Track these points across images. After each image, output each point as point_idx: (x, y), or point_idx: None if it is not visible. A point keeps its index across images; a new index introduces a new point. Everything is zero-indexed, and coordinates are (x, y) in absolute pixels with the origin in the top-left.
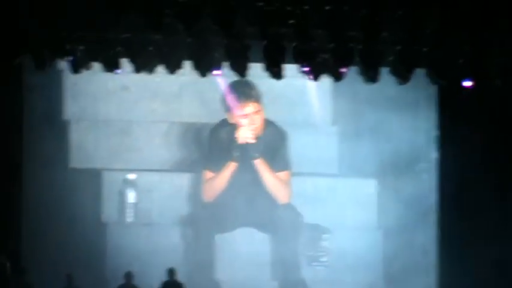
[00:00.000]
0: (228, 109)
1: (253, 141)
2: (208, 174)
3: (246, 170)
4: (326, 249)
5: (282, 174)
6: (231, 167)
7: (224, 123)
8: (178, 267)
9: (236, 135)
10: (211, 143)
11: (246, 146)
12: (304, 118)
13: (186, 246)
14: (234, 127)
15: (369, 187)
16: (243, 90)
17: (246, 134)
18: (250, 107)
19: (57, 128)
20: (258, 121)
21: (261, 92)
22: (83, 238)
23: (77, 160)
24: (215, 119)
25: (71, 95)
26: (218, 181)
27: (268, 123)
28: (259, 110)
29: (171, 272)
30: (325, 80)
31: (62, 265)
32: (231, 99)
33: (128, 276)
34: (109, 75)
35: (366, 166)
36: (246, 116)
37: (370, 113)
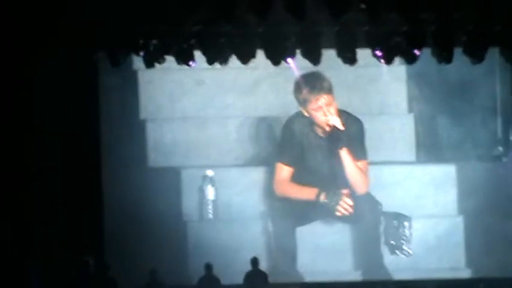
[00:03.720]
0: (301, 102)
1: (341, 127)
2: (280, 166)
3: (325, 162)
4: (407, 237)
5: (360, 164)
6: (314, 194)
7: (299, 115)
8: (260, 260)
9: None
10: (285, 135)
11: (328, 137)
12: (379, 106)
13: (268, 239)
14: (308, 120)
15: (447, 172)
16: (315, 83)
17: (335, 121)
18: (323, 99)
19: (134, 127)
20: (333, 112)
21: (335, 82)
22: (164, 235)
23: (155, 159)
24: (290, 112)
25: (147, 93)
26: (295, 195)
27: (342, 113)
28: (332, 101)
29: (254, 261)
30: (398, 66)
31: (144, 262)
32: (303, 92)
33: (208, 267)
34: (183, 71)
35: (444, 151)
36: (319, 108)
37: (445, 96)
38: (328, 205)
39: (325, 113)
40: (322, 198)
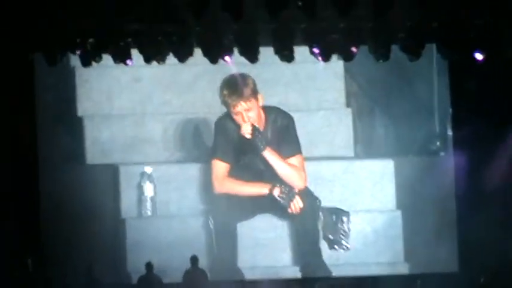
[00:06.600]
0: (224, 105)
1: (249, 137)
2: (216, 162)
3: (259, 160)
4: (346, 232)
5: (294, 159)
6: (266, 188)
7: (229, 115)
8: (201, 258)
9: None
10: (218, 132)
11: (251, 140)
12: (318, 102)
13: (208, 236)
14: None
15: (385, 167)
16: (234, 89)
17: (245, 129)
18: (241, 106)
19: (71, 125)
20: (253, 117)
21: (272, 78)
22: (102, 233)
23: (93, 156)
24: None
25: (84, 91)
26: (241, 190)
27: (272, 110)
28: (251, 107)
29: (193, 259)
30: (336, 62)
31: (82, 260)
32: (224, 96)
33: (149, 266)
34: (121, 68)
35: (381, 146)
36: (239, 113)
37: (383, 91)
38: (283, 201)
39: (244, 119)
40: (277, 193)
